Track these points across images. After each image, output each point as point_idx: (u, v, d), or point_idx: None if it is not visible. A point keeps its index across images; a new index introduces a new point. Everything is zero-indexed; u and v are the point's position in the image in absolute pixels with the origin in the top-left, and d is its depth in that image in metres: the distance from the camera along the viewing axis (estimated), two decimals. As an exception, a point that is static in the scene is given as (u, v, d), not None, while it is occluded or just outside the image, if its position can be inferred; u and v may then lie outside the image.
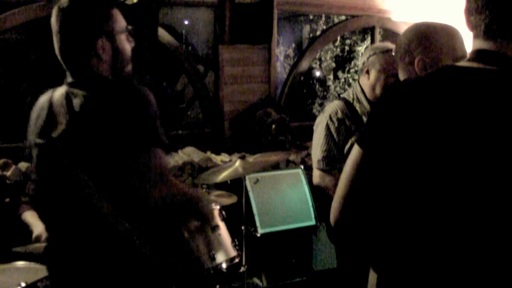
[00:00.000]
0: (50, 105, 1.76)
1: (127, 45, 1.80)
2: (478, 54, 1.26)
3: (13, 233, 3.02)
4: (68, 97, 1.72)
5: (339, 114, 2.67)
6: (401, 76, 1.92)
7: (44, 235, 2.86)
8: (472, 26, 1.27)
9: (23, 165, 3.58)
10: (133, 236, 1.65)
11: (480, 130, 1.17)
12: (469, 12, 1.27)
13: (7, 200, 3.31)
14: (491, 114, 1.17)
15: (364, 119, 2.67)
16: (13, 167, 3.54)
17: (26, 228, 2.92)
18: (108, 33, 1.73)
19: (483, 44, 1.25)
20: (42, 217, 1.92)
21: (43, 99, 1.82)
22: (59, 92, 1.76)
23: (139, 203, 1.63)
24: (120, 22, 1.78)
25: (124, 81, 1.72)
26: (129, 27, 1.82)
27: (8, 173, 3.49)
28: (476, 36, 1.27)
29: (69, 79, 1.77)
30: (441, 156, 1.19)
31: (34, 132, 1.79)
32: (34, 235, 2.89)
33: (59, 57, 1.77)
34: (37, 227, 2.93)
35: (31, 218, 3.00)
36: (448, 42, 1.78)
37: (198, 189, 1.93)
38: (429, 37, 1.80)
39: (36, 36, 4.76)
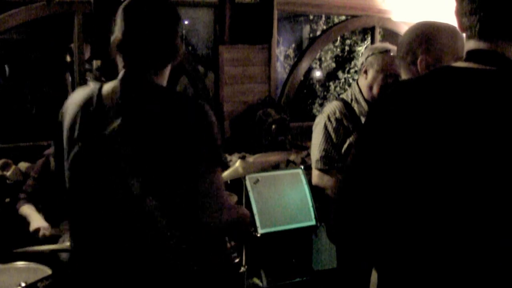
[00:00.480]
0: (99, 100, 1.60)
1: None
2: (474, 54, 1.26)
3: (13, 233, 3.03)
4: (124, 93, 1.58)
5: (337, 114, 2.68)
6: (403, 76, 1.93)
7: (43, 228, 2.86)
8: (465, 27, 1.27)
9: (23, 165, 3.58)
10: (182, 245, 1.57)
11: (476, 130, 1.17)
12: (460, 14, 1.27)
13: (7, 200, 3.31)
14: (487, 114, 1.17)
15: (362, 119, 2.68)
16: (13, 167, 3.55)
17: (26, 227, 2.92)
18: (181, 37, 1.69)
19: (478, 45, 1.25)
20: (71, 224, 1.73)
21: (80, 96, 1.65)
22: (109, 87, 1.62)
23: (201, 223, 1.55)
24: None
25: (184, 95, 1.66)
26: None
27: (8, 173, 3.49)
28: (470, 37, 1.27)
29: (124, 75, 1.62)
30: (437, 156, 1.19)
31: (74, 129, 1.61)
32: (32, 227, 2.89)
33: (131, 50, 1.62)
34: (35, 219, 2.94)
35: (28, 209, 3.00)
36: (450, 42, 1.78)
37: (242, 207, 1.88)
38: (431, 37, 1.81)
39: (36, 36, 4.76)
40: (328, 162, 2.67)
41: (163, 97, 1.59)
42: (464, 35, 1.31)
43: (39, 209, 3.07)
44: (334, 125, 2.67)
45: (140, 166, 1.53)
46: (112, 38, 1.65)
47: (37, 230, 2.87)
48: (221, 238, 1.76)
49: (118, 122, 1.55)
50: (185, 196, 1.53)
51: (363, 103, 2.70)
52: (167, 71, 1.69)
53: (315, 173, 2.73)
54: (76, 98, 1.67)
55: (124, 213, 1.56)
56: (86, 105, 1.62)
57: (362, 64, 2.74)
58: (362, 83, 2.73)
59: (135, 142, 1.54)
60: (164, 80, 1.68)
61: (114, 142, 1.55)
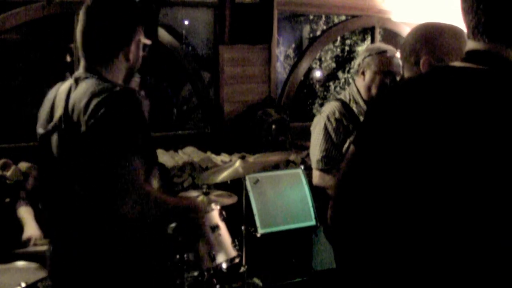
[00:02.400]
0: (55, 96, 1.80)
1: (141, 59, 1.88)
2: (469, 55, 1.27)
3: (13, 233, 3.02)
4: (70, 89, 1.75)
5: (337, 114, 2.68)
6: (407, 76, 1.93)
7: (34, 238, 2.86)
8: (464, 23, 1.29)
9: (23, 165, 3.58)
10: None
11: (471, 130, 1.18)
12: (462, 11, 1.28)
13: (7, 200, 3.31)
14: (481, 114, 1.18)
15: (361, 119, 2.68)
16: (13, 167, 3.54)
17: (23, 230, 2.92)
18: (138, 41, 1.82)
19: (476, 45, 1.26)
20: (44, 208, 1.93)
21: (51, 91, 1.86)
22: (66, 84, 1.80)
23: (111, 210, 1.62)
24: (143, 36, 1.86)
25: (126, 89, 1.71)
26: (148, 42, 1.90)
27: (8, 173, 3.49)
28: (469, 36, 1.28)
29: (78, 72, 1.79)
30: (433, 155, 1.20)
31: (39, 123, 1.85)
32: (25, 235, 2.88)
33: (82, 45, 1.78)
34: (29, 226, 2.92)
35: (24, 213, 2.99)
36: (453, 42, 1.78)
37: (191, 198, 1.90)
38: (435, 37, 1.81)
39: (36, 36, 4.76)
40: (329, 162, 2.67)
41: (93, 90, 1.68)
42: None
43: (39, 209, 3.06)
44: (334, 125, 2.67)
45: (68, 155, 1.70)
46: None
47: (29, 239, 2.87)
48: (144, 228, 1.77)
49: (56, 117, 1.74)
50: (97, 181, 1.62)
51: (362, 103, 2.71)
52: (118, 65, 1.79)
53: (316, 174, 2.73)
54: (47, 95, 1.88)
55: (63, 201, 1.76)
56: (49, 100, 1.84)
57: (359, 65, 2.74)
58: (359, 84, 2.74)
59: (64, 132, 1.71)
60: (114, 74, 1.77)
61: (53, 135, 1.75)
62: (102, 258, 1.70)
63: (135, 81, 2.27)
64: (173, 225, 2.15)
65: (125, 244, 1.71)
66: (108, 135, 1.61)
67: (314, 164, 2.73)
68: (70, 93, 1.74)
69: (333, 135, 2.67)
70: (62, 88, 1.80)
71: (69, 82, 1.79)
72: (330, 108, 2.73)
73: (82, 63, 1.79)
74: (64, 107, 1.71)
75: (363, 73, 2.71)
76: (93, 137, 1.62)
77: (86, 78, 1.74)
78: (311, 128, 2.80)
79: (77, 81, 1.75)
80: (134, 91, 1.74)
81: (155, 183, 1.83)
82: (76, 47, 3.86)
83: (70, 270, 1.76)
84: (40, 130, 1.82)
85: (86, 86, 1.70)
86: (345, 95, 2.78)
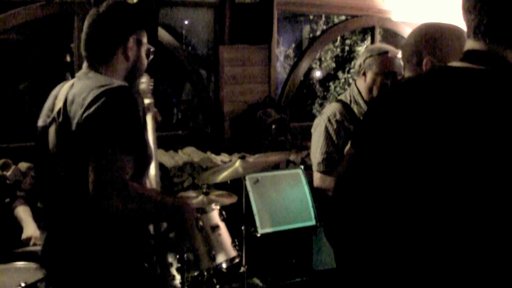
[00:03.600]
0: (58, 92, 1.85)
1: (145, 61, 1.94)
2: (469, 54, 1.27)
3: (13, 233, 3.02)
4: (72, 85, 1.81)
5: (338, 116, 2.67)
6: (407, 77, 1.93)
7: (34, 238, 2.86)
8: (466, 24, 1.28)
9: (23, 165, 3.58)
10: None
11: (470, 130, 1.18)
12: (463, 10, 1.28)
13: (7, 200, 3.31)
14: (481, 114, 1.18)
15: (363, 119, 2.67)
16: (13, 167, 3.55)
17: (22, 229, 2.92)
18: (138, 40, 1.89)
19: (473, 45, 1.26)
20: (41, 203, 1.97)
21: (56, 88, 1.91)
22: (70, 82, 1.87)
23: (95, 205, 1.62)
24: (146, 39, 1.94)
25: (121, 86, 1.73)
26: (152, 48, 1.98)
27: (8, 173, 3.49)
28: (468, 36, 1.28)
29: (81, 70, 1.86)
30: (431, 156, 1.20)
31: (40, 117, 1.90)
32: (24, 235, 2.88)
33: (84, 46, 1.87)
34: (28, 226, 2.92)
35: (23, 213, 2.99)
36: (455, 43, 1.78)
37: (183, 198, 1.91)
38: (436, 38, 1.81)
39: (36, 36, 4.76)
40: (330, 164, 2.66)
41: (92, 85, 1.73)
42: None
43: (37, 208, 3.06)
44: (335, 126, 2.65)
45: (62, 148, 1.74)
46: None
47: (29, 239, 2.87)
48: (130, 226, 1.77)
49: (57, 108, 1.78)
50: (86, 177, 1.63)
51: (363, 104, 2.69)
52: (117, 64, 1.85)
53: (317, 176, 2.72)
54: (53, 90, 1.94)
55: (55, 194, 1.80)
56: (52, 96, 1.90)
57: (360, 66, 2.73)
58: (361, 85, 2.72)
59: (60, 125, 1.74)
60: (114, 73, 1.84)
61: (50, 127, 1.79)
62: (86, 252, 1.73)
63: (144, 83, 2.28)
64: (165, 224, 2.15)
65: (109, 239, 1.74)
66: (99, 129, 1.63)
67: (315, 167, 2.72)
68: (71, 88, 1.79)
69: (334, 137, 2.65)
70: (66, 85, 1.87)
71: (73, 80, 1.87)
72: (330, 109, 2.71)
73: (85, 62, 1.88)
74: (64, 100, 1.76)
75: (364, 74, 2.70)
76: (84, 130, 1.65)
77: (87, 74, 1.81)
78: (312, 130, 2.79)
79: (79, 77, 1.83)
80: (130, 88, 1.76)
81: (150, 182, 1.83)
82: (79, 49, 3.87)
83: (58, 261, 1.81)
84: (39, 123, 1.88)
85: (87, 82, 1.76)
86: (345, 96, 2.77)
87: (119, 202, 1.59)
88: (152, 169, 1.97)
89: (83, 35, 1.88)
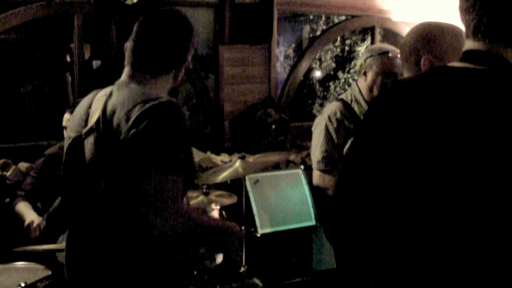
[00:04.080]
0: (91, 102, 1.74)
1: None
2: (469, 55, 1.26)
3: (13, 233, 3.02)
4: (110, 94, 1.68)
5: (338, 115, 2.67)
6: (407, 76, 1.93)
7: (36, 221, 2.86)
8: (464, 25, 1.29)
9: (23, 165, 3.58)
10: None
11: (470, 130, 1.18)
12: (460, 10, 1.28)
13: (7, 200, 3.31)
14: (481, 114, 1.18)
15: (363, 119, 2.68)
16: (13, 167, 3.55)
17: (23, 226, 2.92)
18: (188, 63, 1.83)
19: (474, 45, 1.26)
20: (67, 215, 1.85)
21: (86, 98, 1.80)
22: (106, 90, 1.74)
23: (143, 228, 1.56)
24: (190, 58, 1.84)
25: (172, 102, 1.62)
26: (191, 66, 1.88)
27: (8, 173, 3.49)
28: (467, 36, 1.28)
29: (121, 79, 1.74)
30: (431, 156, 1.20)
31: (71, 126, 1.77)
32: (26, 221, 2.89)
33: (134, 53, 1.74)
34: (28, 215, 2.93)
35: (23, 207, 3.01)
36: (453, 42, 1.78)
37: (229, 223, 1.82)
38: (435, 37, 1.81)
39: (36, 36, 4.76)
40: (330, 163, 2.66)
41: (136, 98, 1.62)
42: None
43: (37, 209, 3.07)
44: (335, 125, 2.65)
45: (103, 159, 1.63)
46: (125, 44, 1.78)
47: (32, 223, 2.87)
48: (173, 245, 1.71)
49: (92, 122, 1.67)
50: (130, 197, 1.56)
51: (364, 104, 2.70)
52: (165, 82, 1.75)
53: (316, 174, 2.72)
54: (82, 100, 1.83)
55: (87, 205, 1.70)
56: (82, 106, 1.78)
57: (360, 65, 2.73)
58: (361, 85, 2.73)
59: (101, 136, 1.63)
60: (159, 89, 1.72)
61: (88, 138, 1.67)
62: (119, 263, 1.66)
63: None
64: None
65: (145, 255, 1.66)
66: (148, 150, 1.54)
67: (314, 165, 2.72)
68: (110, 97, 1.67)
69: (334, 136, 2.65)
70: (100, 94, 1.75)
71: (109, 89, 1.73)
72: (331, 108, 2.72)
73: (127, 70, 1.74)
74: (103, 110, 1.64)
75: (365, 74, 2.71)
76: (134, 147, 1.55)
77: (129, 85, 1.69)
78: (312, 129, 2.79)
79: (119, 87, 1.70)
80: (180, 104, 1.64)
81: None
82: (79, 49, 3.87)
83: (87, 270, 1.72)
84: (71, 133, 1.75)
85: (129, 93, 1.64)
86: (346, 96, 2.77)
87: (170, 223, 1.53)
88: None
89: (134, 40, 1.74)
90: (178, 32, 1.76)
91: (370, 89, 2.68)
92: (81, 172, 1.68)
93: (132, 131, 1.55)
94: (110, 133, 1.60)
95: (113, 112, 1.61)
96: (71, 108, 2.86)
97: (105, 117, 1.62)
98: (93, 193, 1.65)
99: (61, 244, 2.66)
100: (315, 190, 3.17)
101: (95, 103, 1.72)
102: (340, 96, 2.81)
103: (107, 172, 1.62)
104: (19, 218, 2.96)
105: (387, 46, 2.75)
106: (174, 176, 1.53)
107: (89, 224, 1.71)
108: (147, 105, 1.57)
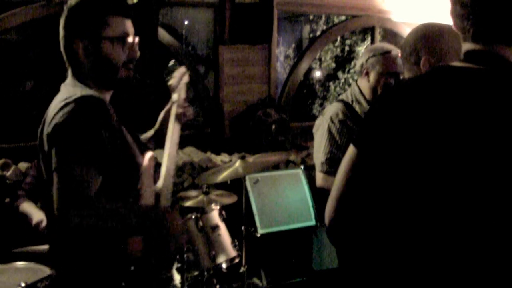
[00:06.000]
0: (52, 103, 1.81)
1: (116, 53, 1.75)
2: (470, 55, 1.27)
3: (13, 233, 3.02)
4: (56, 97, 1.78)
5: (340, 116, 2.64)
6: (407, 76, 1.93)
7: (44, 221, 2.87)
8: (459, 29, 1.29)
9: (23, 165, 3.58)
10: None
11: (471, 130, 1.18)
12: (454, 15, 1.29)
13: (7, 200, 3.31)
14: (482, 114, 1.18)
15: (365, 120, 2.66)
16: (13, 167, 3.55)
17: (26, 228, 2.92)
18: (93, 38, 1.75)
19: (474, 46, 1.26)
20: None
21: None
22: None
23: (58, 219, 1.60)
24: (116, 29, 1.75)
25: (87, 97, 1.66)
26: (129, 36, 1.78)
27: (8, 173, 3.49)
28: (465, 39, 1.28)
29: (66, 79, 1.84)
30: (433, 156, 1.20)
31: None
32: (34, 220, 2.90)
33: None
34: (36, 213, 2.94)
35: (28, 207, 3.01)
36: (453, 43, 1.78)
37: (163, 210, 1.79)
38: (435, 38, 1.81)
39: (36, 36, 4.76)
40: (333, 164, 2.63)
41: (58, 99, 1.71)
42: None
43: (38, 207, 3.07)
44: (337, 126, 2.62)
45: (42, 160, 1.75)
46: None
47: (41, 221, 2.88)
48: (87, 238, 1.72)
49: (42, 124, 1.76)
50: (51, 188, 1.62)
51: (365, 104, 2.67)
52: (85, 60, 1.79)
53: (319, 176, 2.70)
54: None
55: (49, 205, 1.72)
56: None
57: (362, 65, 2.70)
58: (363, 85, 2.70)
59: (40, 135, 1.75)
60: (81, 77, 1.79)
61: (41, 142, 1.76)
62: (71, 258, 1.76)
63: (175, 77, 2.17)
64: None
65: (84, 249, 1.72)
66: (58, 146, 1.61)
67: (318, 167, 2.70)
68: (55, 99, 1.77)
69: (337, 137, 2.63)
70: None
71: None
72: (333, 109, 2.69)
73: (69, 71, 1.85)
74: (47, 112, 1.75)
75: (367, 74, 2.67)
76: (48, 146, 1.65)
77: (65, 82, 1.80)
78: (314, 130, 2.77)
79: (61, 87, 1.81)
80: (98, 99, 1.67)
81: (160, 180, 1.80)
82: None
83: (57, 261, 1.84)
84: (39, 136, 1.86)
85: (60, 93, 1.75)
86: (347, 96, 2.75)
87: (77, 218, 1.55)
88: (164, 167, 1.92)
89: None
90: (73, 14, 1.85)
91: (373, 89, 2.65)
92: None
93: (47, 130, 1.65)
94: (42, 132, 1.72)
95: (48, 111, 1.72)
96: None
97: (45, 117, 1.73)
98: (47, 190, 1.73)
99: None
100: (315, 190, 3.16)
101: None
102: (340, 97, 2.79)
103: (47, 170, 1.70)
104: (24, 218, 2.96)
105: (388, 46, 2.73)
106: (83, 171, 1.57)
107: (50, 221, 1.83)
108: (60, 105, 1.65)
